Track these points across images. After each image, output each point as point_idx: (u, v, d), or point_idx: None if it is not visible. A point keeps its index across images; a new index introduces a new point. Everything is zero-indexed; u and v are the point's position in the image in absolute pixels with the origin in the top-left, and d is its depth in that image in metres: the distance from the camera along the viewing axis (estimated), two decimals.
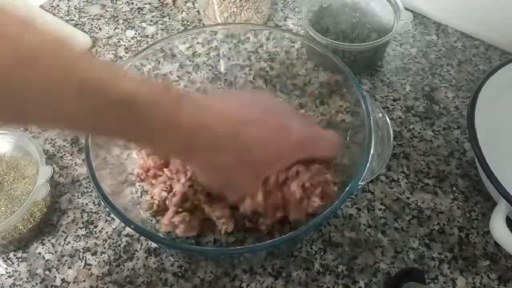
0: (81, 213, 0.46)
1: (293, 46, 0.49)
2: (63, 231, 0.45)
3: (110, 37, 0.63)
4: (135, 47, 0.62)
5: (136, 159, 0.44)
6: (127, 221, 0.34)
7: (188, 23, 0.65)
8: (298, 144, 0.36)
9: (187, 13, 0.66)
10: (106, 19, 0.66)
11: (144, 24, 0.65)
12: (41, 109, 0.25)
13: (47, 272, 0.42)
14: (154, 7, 0.68)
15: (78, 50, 0.26)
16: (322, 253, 0.43)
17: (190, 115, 0.30)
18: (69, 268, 0.43)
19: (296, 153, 0.37)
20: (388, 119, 0.40)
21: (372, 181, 0.47)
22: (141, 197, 0.44)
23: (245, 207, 0.38)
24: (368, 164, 0.36)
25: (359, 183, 0.35)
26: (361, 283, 0.41)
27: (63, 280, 0.42)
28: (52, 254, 0.44)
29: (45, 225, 0.45)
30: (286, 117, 0.38)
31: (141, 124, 0.28)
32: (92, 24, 0.65)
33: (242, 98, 0.39)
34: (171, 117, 0.29)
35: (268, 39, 0.48)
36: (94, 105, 0.26)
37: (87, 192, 0.48)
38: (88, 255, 0.43)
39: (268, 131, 0.35)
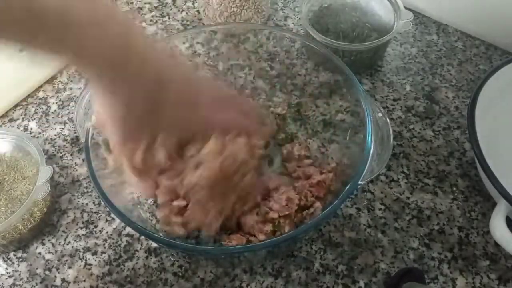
0: (81, 213, 0.46)
1: (293, 46, 0.49)
2: (63, 231, 0.45)
3: None
4: None
5: None
6: (127, 221, 0.34)
7: (188, 23, 0.65)
8: (209, 106, 0.36)
9: (187, 13, 0.66)
10: None
11: (144, 24, 0.65)
12: None
13: (47, 272, 0.43)
14: (154, 6, 0.68)
15: None
16: (322, 253, 0.43)
17: (110, 21, 0.28)
18: (69, 268, 0.43)
19: (207, 113, 0.36)
20: (388, 119, 0.40)
21: (372, 181, 0.47)
22: (141, 197, 0.44)
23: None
24: (367, 163, 0.36)
25: (359, 182, 0.35)
26: (361, 283, 0.41)
27: (63, 280, 0.42)
28: (52, 254, 0.44)
29: (45, 225, 0.45)
30: (207, 83, 0.38)
31: (52, 24, 0.26)
32: None
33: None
34: (87, 16, 0.27)
35: (268, 39, 0.48)
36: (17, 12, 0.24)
37: (87, 192, 0.48)
38: (88, 255, 0.43)
39: (188, 78, 0.35)
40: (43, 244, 0.44)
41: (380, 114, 0.40)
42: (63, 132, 0.53)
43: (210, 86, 0.39)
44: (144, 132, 0.34)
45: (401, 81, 0.57)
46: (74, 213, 0.46)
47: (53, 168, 0.49)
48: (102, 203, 0.47)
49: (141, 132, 0.33)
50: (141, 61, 0.30)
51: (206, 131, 0.36)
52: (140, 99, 0.31)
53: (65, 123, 0.54)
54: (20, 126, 0.54)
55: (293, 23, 0.64)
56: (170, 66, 0.33)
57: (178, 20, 0.65)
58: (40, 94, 0.57)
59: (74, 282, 0.42)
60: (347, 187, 0.35)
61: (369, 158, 0.36)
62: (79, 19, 0.27)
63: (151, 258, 0.43)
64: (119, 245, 0.44)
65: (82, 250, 0.44)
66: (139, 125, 0.33)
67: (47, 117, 0.55)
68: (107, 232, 0.45)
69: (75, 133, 0.53)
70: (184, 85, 0.34)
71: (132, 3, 0.68)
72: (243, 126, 0.38)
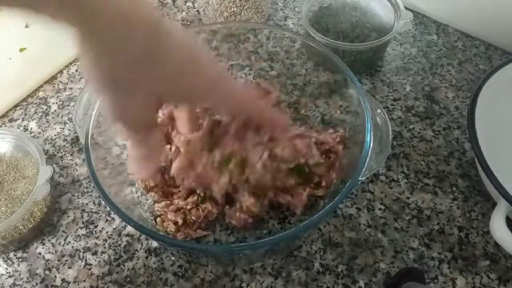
0: (81, 213, 0.46)
1: (293, 46, 0.49)
2: (63, 231, 0.45)
3: None
4: None
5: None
6: (127, 220, 0.34)
7: (188, 23, 0.65)
8: (213, 82, 0.31)
9: (187, 13, 0.66)
10: None
11: None
12: None
13: (47, 272, 0.43)
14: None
15: None
16: (322, 253, 0.43)
17: None
18: (69, 268, 0.43)
19: (206, 92, 0.31)
20: (387, 117, 0.40)
21: (372, 181, 0.48)
22: (141, 197, 0.44)
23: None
24: (367, 159, 0.36)
25: (359, 178, 0.35)
26: (361, 283, 0.41)
27: (63, 280, 0.42)
28: (52, 254, 0.44)
29: (45, 225, 0.45)
30: (209, 56, 0.33)
31: None
32: None
33: None
34: None
35: (268, 38, 0.48)
36: None
37: (87, 192, 0.48)
38: (88, 255, 0.43)
39: (191, 51, 0.30)
40: (43, 244, 0.44)
41: (378, 110, 0.40)
42: (63, 132, 0.53)
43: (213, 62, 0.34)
44: (139, 90, 0.29)
45: (401, 81, 0.57)
46: (74, 213, 0.46)
47: (53, 168, 0.49)
48: (102, 203, 0.47)
49: (134, 88, 0.29)
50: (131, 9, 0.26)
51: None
52: (137, 46, 0.27)
53: (65, 123, 0.54)
54: (20, 126, 0.54)
55: (293, 23, 0.64)
56: (166, 24, 0.29)
57: (178, 20, 0.65)
58: (40, 94, 0.57)
59: (74, 282, 0.42)
60: (347, 184, 0.35)
61: (369, 154, 0.36)
62: None
63: (151, 258, 0.43)
64: (119, 245, 0.44)
65: (82, 250, 0.44)
66: (132, 80, 0.29)
67: (47, 117, 0.55)
68: (107, 232, 0.45)
69: (75, 133, 0.53)
70: (185, 43, 0.29)
71: None
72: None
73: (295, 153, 0.37)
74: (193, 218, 0.40)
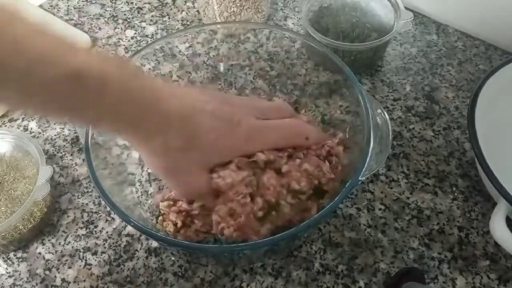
0: (81, 213, 0.46)
1: (293, 46, 0.49)
2: (63, 231, 0.45)
3: (109, 37, 0.63)
4: (134, 47, 0.62)
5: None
6: (128, 220, 0.34)
7: (188, 23, 0.65)
8: (248, 139, 0.36)
9: (186, 13, 0.66)
10: (105, 19, 0.66)
11: (143, 24, 0.65)
12: None
13: (47, 272, 0.43)
14: (154, 6, 0.68)
15: (32, 22, 0.25)
16: (322, 253, 0.43)
17: (145, 90, 0.30)
18: (69, 268, 0.43)
19: (246, 147, 0.36)
20: (387, 117, 0.40)
21: (372, 181, 0.47)
22: (141, 197, 0.44)
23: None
24: (368, 159, 0.36)
25: (359, 178, 0.35)
26: (361, 283, 0.41)
27: (63, 280, 0.42)
28: (52, 254, 0.44)
29: (45, 225, 0.45)
30: (238, 108, 0.37)
31: (90, 101, 0.28)
32: (91, 24, 0.65)
33: (199, 89, 0.39)
34: (123, 93, 0.29)
35: (268, 38, 0.48)
36: (42, 82, 0.25)
37: (87, 192, 0.48)
38: (88, 255, 0.43)
39: (219, 123, 0.34)
40: (43, 244, 0.44)
41: (379, 110, 0.40)
42: (63, 132, 0.53)
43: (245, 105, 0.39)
44: (189, 168, 0.35)
45: (401, 81, 0.57)
46: (74, 213, 0.46)
47: (53, 168, 0.49)
48: (102, 203, 0.47)
49: (188, 167, 0.35)
50: (166, 113, 0.32)
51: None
52: (175, 142, 0.33)
53: (65, 123, 0.54)
54: (20, 126, 0.54)
55: (293, 23, 0.64)
56: (194, 102, 0.34)
57: (178, 20, 0.65)
58: None
59: (74, 282, 0.42)
60: (348, 184, 0.35)
61: (369, 154, 0.36)
62: (115, 86, 0.29)
63: (151, 258, 0.43)
64: (119, 245, 0.44)
65: (82, 250, 0.44)
66: (183, 164, 0.35)
67: None
68: (107, 232, 0.45)
69: (75, 133, 0.53)
70: (217, 135, 0.34)
71: (132, 3, 0.68)
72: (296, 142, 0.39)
73: (309, 180, 0.38)
74: (197, 224, 0.40)
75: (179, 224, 0.39)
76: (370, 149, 0.37)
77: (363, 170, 0.36)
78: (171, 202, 0.40)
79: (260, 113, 0.38)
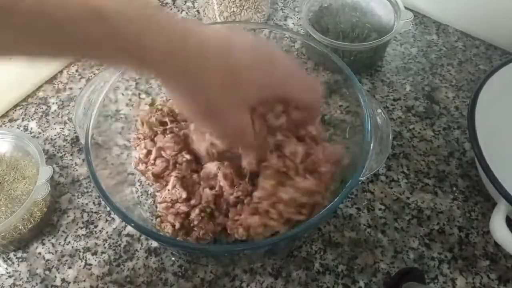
0: (81, 213, 0.46)
1: (293, 46, 0.49)
2: (63, 231, 0.45)
3: None
4: None
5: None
6: (127, 220, 0.34)
7: None
8: (283, 77, 0.34)
9: (187, 13, 0.66)
10: None
11: None
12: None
13: (47, 272, 0.43)
14: None
15: None
16: (322, 253, 0.43)
17: (175, 24, 0.28)
18: (69, 268, 0.43)
19: (279, 86, 0.34)
20: (387, 117, 0.40)
21: (372, 181, 0.47)
22: (141, 197, 0.44)
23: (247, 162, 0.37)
24: (368, 159, 0.36)
25: (359, 178, 0.35)
26: (361, 283, 0.41)
27: (63, 280, 0.42)
28: (52, 254, 0.44)
29: (45, 225, 0.45)
30: (277, 51, 0.35)
31: (114, 37, 0.26)
32: None
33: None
34: (149, 28, 0.27)
35: (268, 38, 0.48)
36: (57, 21, 0.24)
37: (87, 192, 0.48)
38: (88, 255, 0.43)
39: (257, 57, 0.32)
40: (43, 244, 0.44)
41: (379, 110, 0.40)
42: (63, 132, 0.53)
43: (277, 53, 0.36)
44: (231, 107, 0.33)
45: (401, 81, 0.57)
46: (74, 213, 0.46)
47: (53, 168, 0.49)
48: (102, 203, 0.47)
49: (228, 107, 0.32)
50: (199, 48, 0.29)
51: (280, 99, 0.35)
52: (214, 78, 0.30)
53: (65, 123, 0.54)
54: (20, 126, 0.54)
55: (293, 23, 0.64)
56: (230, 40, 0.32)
57: None
58: (40, 94, 0.57)
59: (74, 282, 0.42)
60: (347, 184, 0.35)
61: (369, 155, 0.36)
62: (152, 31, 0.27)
63: (151, 258, 0.43)
64: (119, 245, 0.44)
65: (82, 250, 0.44)
66: (225, 103, 0.32)
67: (47, 117, 0.55)
68: (107, 232, 0.45)
69: (75, 133, 0.53)
70: (254, 70, 0.32)
71: None
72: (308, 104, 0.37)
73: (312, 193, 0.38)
74: (198, 232, 0.40)
75: (177, 226, 0.39)
76: (371, 149, 0.37)
77: (364, 170, 0.36)
78: (169, 204, 0.40)
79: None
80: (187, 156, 0.41)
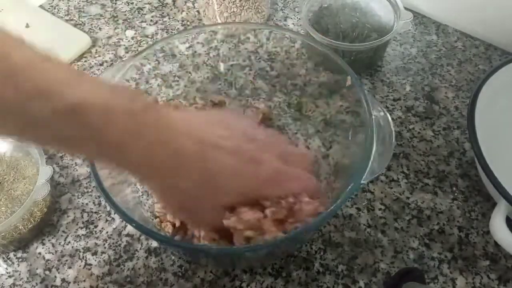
0: (81, 213, 0.46)
1: (293, 46, 0.49)
2: (63, 231, 0.45)
3: (110, 37, 0.63)
4: (135, 47, 0.62)
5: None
6: (128, 219, 0.34)
7: (188, 23, 0.65)
8: (266, 182, 0.34)
9: (187, 13, 0.66)
10: (105, 19, 0.66)
11: (144, 24, 0.65)
12: None
13: (47, 272, 0.43)
14: (154, 7, 0.68)
15: (34, 50, 0.24)
16: (322, 253, 0.43)
17: (152, 130, 0.28)
18: (69, 268, 0.43)
19: (263, 190, 0.34)
20: (389, 117, 0.40)
21: (372, 181, 0.48)
22: (142, 196, 0.44)
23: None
24: (369, 163, 0.36)
25: (361, 182, 0.35)
26: (361, 283, 0.41)
27: (63, 280, 0.42)
28: (52, 254, 0.44)
29: (45, 225, 0.45)
30: (261, 147, 0.35)
31: (92, 137, 0.25)
32: (91, 24, 0.65)
33: (219, 119, 0.36)
34: (129, 128, 0.26)
35: (268, 39, 0.48)
36: (39, 117, 0.23)
37: (87, 192, 0.48)
38: (88, 255, 0.43)
39: (237, 161, 0.32)
40: (43, 244, 0.44)
41: (381, 113, 0.40)
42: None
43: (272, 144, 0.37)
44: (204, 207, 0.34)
45: (401, 81, 0.57)
46: (74, 213, 0.46)
47: (53, 168, 0.49)
48: (102, 203, 0.47)
49: (202, 205, 0.34)
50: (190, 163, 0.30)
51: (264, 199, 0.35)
52: (185, 181, 0.31)
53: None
54: None
55: (293, 23, 0.64)
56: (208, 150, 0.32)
57: (178, 21, 0.65)
58: None
59: (74, 282, 0.42)
60: (349, 188, 0.34)
61: (371, 158, 0.36)
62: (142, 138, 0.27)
63: (151, 258, 0.43)
64: (119, 245, 0.44)
65: (82, 250, 0.44)
66: (198, 201, 0.33)
67: None
68: (107, 232, 0.45)
69: None
70: (232, 176, 0.32)
71: (132, 3, 0.68)
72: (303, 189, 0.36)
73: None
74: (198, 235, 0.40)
75: (177, 223, 0.40)
76: (373, 152, 0.36)
77: (365, 172, 0.35)
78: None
79: (282, 155, 0.36)
80: None
